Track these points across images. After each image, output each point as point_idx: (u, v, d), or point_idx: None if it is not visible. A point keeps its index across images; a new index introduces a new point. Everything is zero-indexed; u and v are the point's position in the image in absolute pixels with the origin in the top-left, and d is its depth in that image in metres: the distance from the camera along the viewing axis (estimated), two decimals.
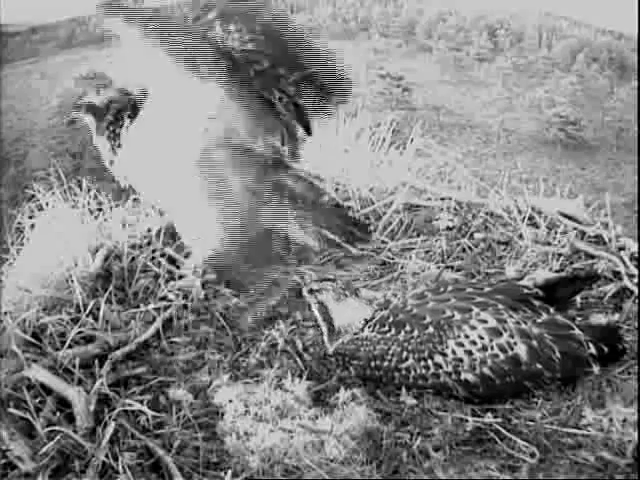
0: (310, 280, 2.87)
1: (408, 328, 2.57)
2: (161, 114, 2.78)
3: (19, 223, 3.37)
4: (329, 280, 2.78)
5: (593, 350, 2.52)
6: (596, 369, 2.53)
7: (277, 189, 2.70)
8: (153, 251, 3.33)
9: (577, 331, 2.54)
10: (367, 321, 2.68)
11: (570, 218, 3.73)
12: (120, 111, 2.95)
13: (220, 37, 2.64)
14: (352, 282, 2.75)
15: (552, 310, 2.61)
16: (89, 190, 3.53)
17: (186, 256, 3.37)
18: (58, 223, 3.30)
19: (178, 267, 3.28)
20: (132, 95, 2.95)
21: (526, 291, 2.67)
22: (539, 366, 2.49)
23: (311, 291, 2.76)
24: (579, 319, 2.66)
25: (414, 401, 2.52)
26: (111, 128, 2.96)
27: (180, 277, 3.15)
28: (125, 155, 2.93)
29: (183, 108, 2.73)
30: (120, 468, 2.17)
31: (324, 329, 2.76)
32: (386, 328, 2.61)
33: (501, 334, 2.50)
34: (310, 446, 2.30)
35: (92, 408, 2.37)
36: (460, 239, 3.64)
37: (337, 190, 3.98)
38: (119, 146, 2.95)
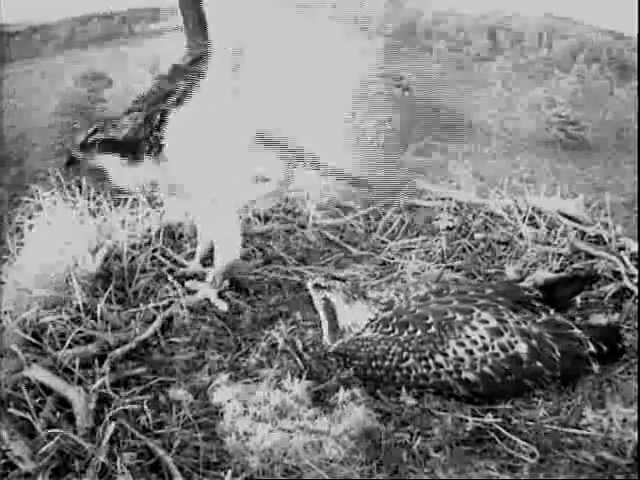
0: (315, 275, 2.87)
1: (411, 328, 2.57)
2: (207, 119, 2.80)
3: (19, 223, 3.37)
4: (338, 279, 2.78)
5: (592, 349, 2.53)
6: (596, 367, 2.53)
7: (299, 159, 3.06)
8: (153, 251, 3.33)
9: (576, 330, 2.55)
10: (370, 321, 2.69)
11: (570, 218, 3.74)
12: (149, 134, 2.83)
13: None
14: (353, 288, 2.76)
15: (552, 311, 2.62)
16: (89, 190, 3.53)
17: (187, 257, 3.37)
18: (58, 223, 3.30)
19: (180, 266, 3.29)
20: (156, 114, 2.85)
21: (527, 293, 2.68)
22: (539, 364, 2.49)
23: (317, 286, 2.76)
24: (579, 319, 2.67)
25: (414, 401, 2.52)
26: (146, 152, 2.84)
27: (193, 291, 3.15)
28: (174, 156, 2.86)
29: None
30: (119, 469, 2.17)
31: (325, 325, 2.76)
32: (389, 329, 2.62)
33: (502, 334, 2.50)
34: (310, 446, 2.30)
35: (92, 407, 2.37)
36: (460, 239, 3.65)
37: (337, 190, 3.98)
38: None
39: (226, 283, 3.16)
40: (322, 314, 2.77)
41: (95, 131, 2.85)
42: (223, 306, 3.05)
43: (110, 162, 2.88)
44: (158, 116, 2.80)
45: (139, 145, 2.82)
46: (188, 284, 3.15)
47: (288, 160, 2.98)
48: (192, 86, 2.79)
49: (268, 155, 2.94)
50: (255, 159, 2.93)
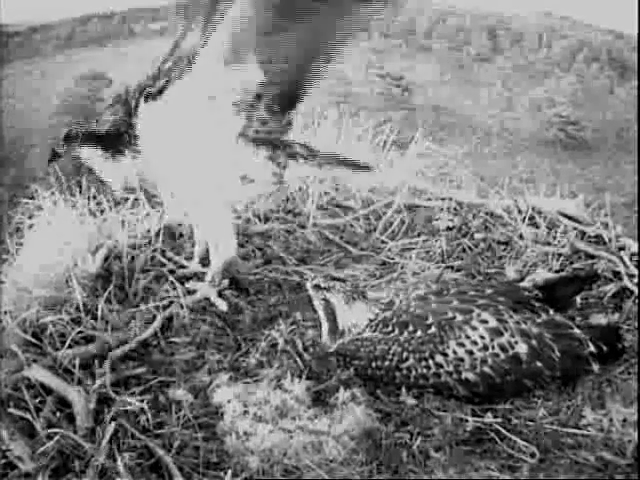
0: (315, 275, 2.86)
1: (411, 328, 2.57)
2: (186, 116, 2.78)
3: (19, 223, 3.37)
4: (338, 280, 2.77)
5: (592, 349, 2.53)
6: (595, 367, 2.53)
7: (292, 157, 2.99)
8: (153, 251, 3.33)
9: (576, 330, 2.54)
10: (370, 321, 2.69)
11: (570, 218, 3.74)
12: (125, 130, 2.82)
13: None
14: (352, 289, 2.76)
15: (551, 311, 2.62)
16: (89, 190, 3.52)
17: (187, 257, 3.37)
18: (58, 223, 3.29)
19: (180, 267, 3.28)
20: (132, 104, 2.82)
21: (526, 293, 2.68)
22: (539, 364, 2.49)
23: (317, 287, 2.76)
24: (579, 319, 2.67)
25: (414, 401, 2.52)
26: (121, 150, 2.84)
27: (193, 291, 3.15)
28: (150, 159, 2.87)
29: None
30: (120, 468, 2.17)
31: (325, 326, 2.76)
32: (389, 329, 2.62)
33: (502, 334, 2.50)
34: (310, 446, 2.30)
35: (92, 407, 2.37)
36: (460, 239, 3.64)
37: (337, 190, 3.98)
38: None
39: (225, 282, 3.16)
40: (322, 315, 2.77)
41: (77, 124, 2.89)
42: (223, 305, 3.05)
43: (92, 155, 2.90)
44: (134, 106, 2.80)
45: (120, 138, 2.83)
46: (188, 285, 3.15)
47: (278, 159, 2.95)
48: (171, 81, 2.77)
49: (254, 154, 2.91)
50: (240, 158, 2.90)
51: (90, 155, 2.91)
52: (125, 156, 2.86)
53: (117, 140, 2.84)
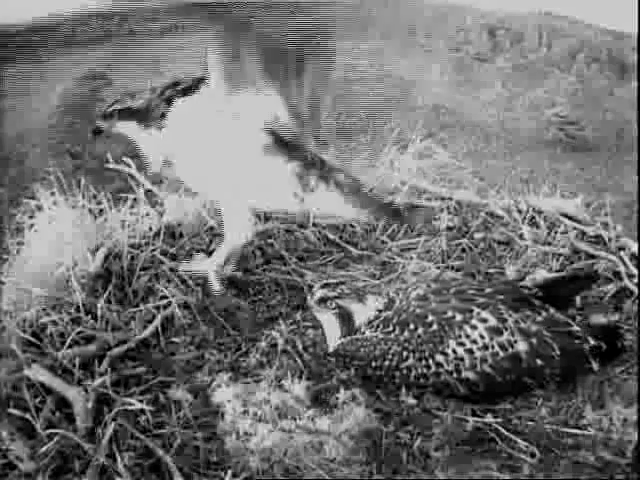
0: (317, 289, 2.74)
1: (412, 327, 2.57)
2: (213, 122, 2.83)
3: (19, 223, 3.37)
4: (339, 283, 2.76)
5: (592, 344, 2.53)
6: (595, 365, 2.53)
7: (322, 179, 2.95)
8: (153, 250, 3.33)
9: (576, 328, 2.55)
10: (370, 322, 2.69)
11: (570, 218, 3.74)
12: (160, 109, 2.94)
13: None
14: (358, 287, 2.73)
15: (551, 310, 2.62)
16: (89, 190, 3.52)
17: (186, 256, 3.37)
18: (58, 223, 3.29)
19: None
20: (166, 93, 2.94)
21: (526, 292, 2.68)
22: (539, 362, 2.50)
23: (322, 300, 2.71)
24: (579, 319, 2.67)
25: (414, 401, 2.52)
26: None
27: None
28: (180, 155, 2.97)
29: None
30: (120, 468, 2.17)
31: (338, 333, 2.71)
32: (390, 328, 2.62)
33: (502, 333, 2.50)
34: (310, 446, 2.30)
35: (90, 405, 2.37)
36: (460, 239, 3.64)
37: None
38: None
39: (229, 269, 3.15)
40: (336, 322, 2.73)
41: (115, 102, 3.02)
42: (217, 287, 3.05)
43: (130, 129, 3.01)
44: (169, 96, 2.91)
45: (150, 114, 2.94)
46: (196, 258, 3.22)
47: (306, 179, 2.94)
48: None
49: (282, 167, 2.91)
50: (264, 166, 2.90)
51: (127, 129, 3.02)
52: (152, 129, 2.96)
53: (147, 115, 2.94)
